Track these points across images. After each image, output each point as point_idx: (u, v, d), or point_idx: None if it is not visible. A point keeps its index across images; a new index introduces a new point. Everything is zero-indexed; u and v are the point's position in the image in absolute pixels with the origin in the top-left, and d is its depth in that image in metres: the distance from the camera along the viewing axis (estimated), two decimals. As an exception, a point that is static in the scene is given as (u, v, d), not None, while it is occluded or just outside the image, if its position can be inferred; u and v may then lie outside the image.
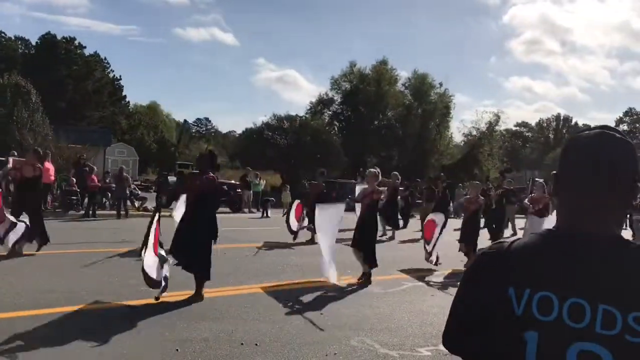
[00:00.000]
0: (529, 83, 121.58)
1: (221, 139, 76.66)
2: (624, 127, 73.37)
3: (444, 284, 8.90)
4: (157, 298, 6.37)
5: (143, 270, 6.19)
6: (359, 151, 40.48)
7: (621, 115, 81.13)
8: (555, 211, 1.52)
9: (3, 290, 6.76)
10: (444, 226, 10.32)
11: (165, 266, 6.50)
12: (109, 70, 54.76)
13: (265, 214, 21.76)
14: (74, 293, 6.84)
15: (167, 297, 6.73)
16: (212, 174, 7.25)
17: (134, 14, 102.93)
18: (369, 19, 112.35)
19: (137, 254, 8.21)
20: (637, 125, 77.39)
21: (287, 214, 13.70)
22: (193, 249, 6.95)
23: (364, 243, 8.86)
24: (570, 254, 1.19)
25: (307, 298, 7.35)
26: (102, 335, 5.26)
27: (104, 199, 20.42)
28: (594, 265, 1.16)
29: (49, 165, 15.72)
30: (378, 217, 9.88)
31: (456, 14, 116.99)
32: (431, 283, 9.00)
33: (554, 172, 1.34)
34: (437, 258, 10.31)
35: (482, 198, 11.56)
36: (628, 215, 14.33)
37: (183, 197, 8.31)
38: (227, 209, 22.34)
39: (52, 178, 16.80)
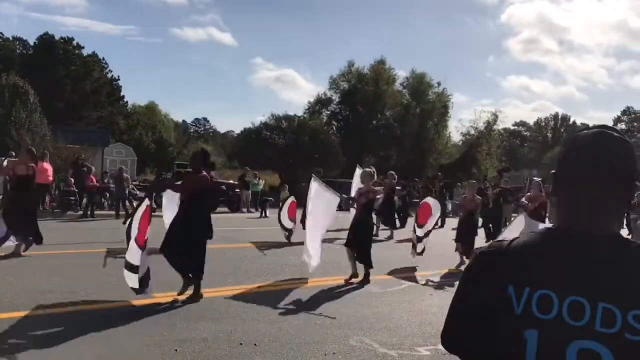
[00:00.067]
0: (526, 82, 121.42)
1: (219, 139, 76.53)
2: (621, 125, 73.45)
3: (443, 284, 8.91)
4: (138, 291, 6.28)
5: (126, 263, 6.17)
6: (357, 151, 40.41)
7: (619, 114, 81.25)
8: (552, 211, 1.53)
9: (3, 291, 6.76)
10: (440, 217, 10.38)
11: (148, 260, 6.42)
12: (107, 70, 54.61)
13: (263, 214, 21.76)
14: (74, 293, 6.85)
15: (166, 297, 6.75)
16: (205, 173, 7.19)
17: (132, 14, 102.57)
18: (367, 18, 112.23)
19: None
20: (635, 124, 77.43)
21: (279, 211, 13.52)
22: (187, 248, 6.87)
23: (358, 243, 8.81)
24: (570, 253, 1.19)
25: (305, 298, 7.35)
26: (101, 335, 5.28)
27: (103, 199, 20.42)
28: (593, 264, 1.17)
29: (47, 165, 15.67)
30: (374, 217, 9.89)
31: (454, 13, 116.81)
32: (430, 282, 9.01)
33: (553, 171, 1.34)
34: (423, 250, 10.37)
35: (479, 197, 11.59)
36: (625, 214, 14.35)
37: (173, 197, 8.21)
38: (226, 209, 22.36)
39: (50, 178, 16.76)
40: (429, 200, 11.46)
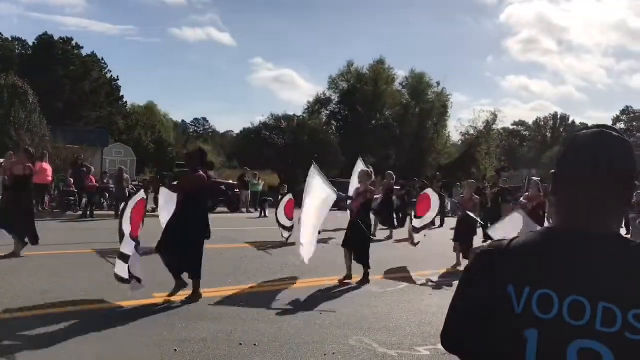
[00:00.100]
0: (525, 82, 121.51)
1: (219, 139, 76.56)
2: (620, 125, 73.57)
3: (442, 283, 8.90)
4: (125, 281, 6.27)
5: (119, 253, 6.16)
6: (357, 151, 40.13)
7: (618, 114, 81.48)
8: (551, 211, 1.54)
9: (2, 291, 6.76)
10: (439, 210, 10.41)
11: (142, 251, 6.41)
12: (106, 70, 54.57)
13: (263, 214, 21.75)
14: (74, 293, 6.85)
15: (166, 297, 6.75)
16: (202, 172, 7.15)
17: (131, 14, 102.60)
18: (366, 18, 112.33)
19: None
20: (634, 123, 77.54)
21: (276, 209, 13.45)
22: (183, 248, 6.82)
23: (356, 243, 8.79)
24: (570, 252, 1.19)
25: (305, 298, 7.35)
26: (101, 335, 5.27)
27: (102, 200, 20.41)
28: (593, 263, 1.17)
29: (46, 165, 15.68)
30: (372, 217, 9.89)
31: (453, 13, 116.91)
32: (429, 282, 9.01)
33: (552, 171, 1.35)
34: (417, 242, 10.40)
35: (477, 197, 11.59)
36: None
37: (170, 197, 8.16)
38: (225, 209, 22.36)
39: (50, 179, 16.76)
40: (429, 192, 11.44)
